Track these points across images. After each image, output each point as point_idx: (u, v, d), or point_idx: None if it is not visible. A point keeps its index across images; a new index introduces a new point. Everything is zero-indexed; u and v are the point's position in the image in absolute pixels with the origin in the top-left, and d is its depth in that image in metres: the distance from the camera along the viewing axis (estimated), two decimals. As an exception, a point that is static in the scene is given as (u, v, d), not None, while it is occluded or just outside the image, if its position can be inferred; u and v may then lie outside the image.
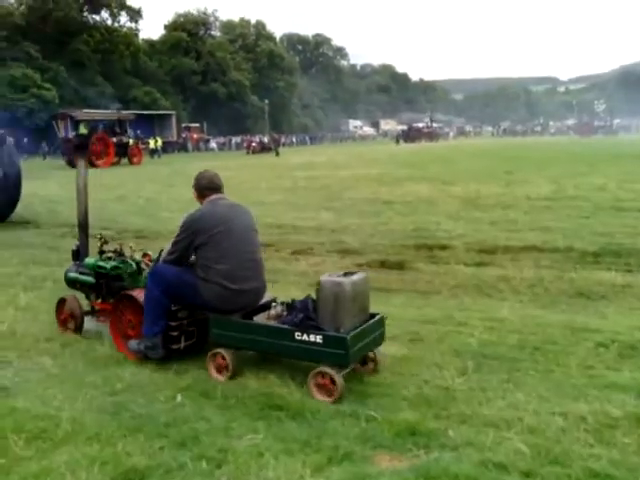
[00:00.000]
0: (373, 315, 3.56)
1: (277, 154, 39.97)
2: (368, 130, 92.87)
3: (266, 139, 51.53)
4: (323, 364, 3.24)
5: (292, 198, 13.70)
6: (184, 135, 53.91)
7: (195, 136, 55.00)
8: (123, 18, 61.68)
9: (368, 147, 54.58)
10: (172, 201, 13.64)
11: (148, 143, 40.94)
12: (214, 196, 3.83)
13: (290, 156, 37.72)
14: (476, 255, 7.10)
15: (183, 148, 51.74)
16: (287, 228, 9.38)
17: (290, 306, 3.63)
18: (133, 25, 62.71)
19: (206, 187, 3.85)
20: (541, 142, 51.87)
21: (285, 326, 3.43)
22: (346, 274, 3.46)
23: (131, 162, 32.43)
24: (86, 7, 58.13)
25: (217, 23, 76.12)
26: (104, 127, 32.93)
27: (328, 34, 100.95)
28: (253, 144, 48.20)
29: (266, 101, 65.47)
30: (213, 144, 57.02)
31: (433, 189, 14.42)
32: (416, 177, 17.90)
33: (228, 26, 78.03)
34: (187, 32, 68.27)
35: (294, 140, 69.14)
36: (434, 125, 73.39)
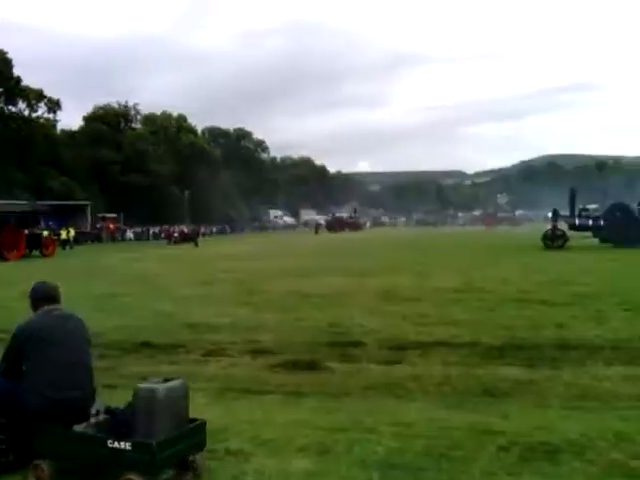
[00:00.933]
0: (194, 420, 3.62)
1: (196, 244, 39.68)
2: (288, 220, 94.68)
3: (185, 229, 51.30)
4: (132, 472, 3.25)
5: (208, 292, 13.50)
6: (99, 225, 52.75)
7: (111, 226, 53.89)
8: (41, 109, 61.13)
9: (288, 237, 55.38)
10: (79, 298, 13.03)
11: (60, 234, 39.61)
12: (47, 307, 3.92)
13: (210, 247, 37.55)
14: (388, 352, 7.19)
15: (97, 238, 50.42)
16: (201, 327, 9.16)
17: (112, 413, 3.66)
18: (51, 116, 62.20)
19: (41, 298, 3.97)
20: (451, 232, 54.67)
21: (99, 434, 3.46)
22: (166, 380, 3.58)
23: (44, 254, 31.12)
24: (2, 98, 57.28)
25: (138, 116, 76.87)
26: (16, 219, 31.71)
27: (249, 128, 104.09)
28: (175, 234, 47.86)
29: (187, 191, 65.63)
30: (130, 234, 55.95)
31: (349, 281, 14.69)
32: (334, 269, 18.23)
33: (150, 118, 78.99)
34: (107, 124, 68.39)
35: (214, 230, 69.10)
36: (356, 215, 76.31)
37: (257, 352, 7.40)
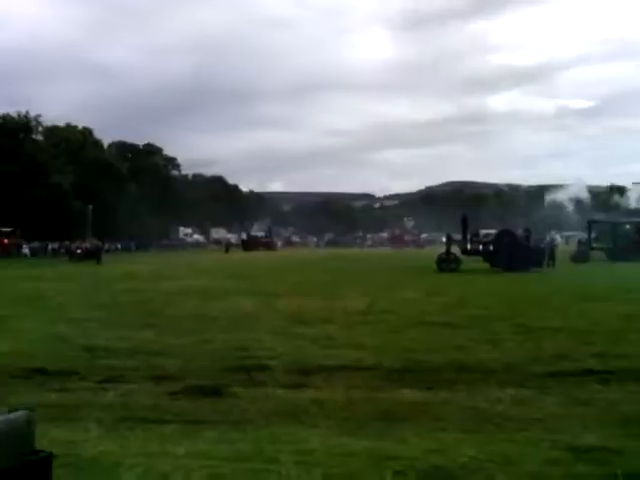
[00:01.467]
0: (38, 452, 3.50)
1: (99, 262, 37.99)
2: (198, 238, 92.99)
3: (88, 245, 49.02)
4: None
5: (109, 314, 12.92)
6: (-8, 240, 49.33)
7: (6, 241, 50.51)
8: None
9: (197, 255, 54.31)
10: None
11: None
12: None
13: (113, 265, 36.06)
14: (293, 376, 7.17)
15: (-10, 254, 47.03)
16: (98, 351, 8.73)
17: None
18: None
19: None
20: (360, 254, 55.87)
21: None
22: (9, 411, 3.44)
23: None
24: None
25: (40, 128, 72.87)
26: None
27: (160, 144, 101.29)
28: (78, 250, 45.59)
29: (90, 206, 62.83)
30: (26, 249, 52.68)
31: (258, 303, 14.58)
32: (243, 289, 18.06)
33: (53, 130, 75.19)
34: (4, 134, 64.38)
35: (119, 246, 66.52)
36: (271, 235, 76.66)
37: (159, 378, 7.14)
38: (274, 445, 4.69)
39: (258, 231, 79.15)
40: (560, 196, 70.67)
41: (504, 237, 28.44)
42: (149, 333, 10.31)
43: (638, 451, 4.49)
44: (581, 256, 35.06)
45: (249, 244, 67.79)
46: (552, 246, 35.04)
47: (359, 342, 9.25)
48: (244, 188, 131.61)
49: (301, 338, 9.73)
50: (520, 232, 30.37)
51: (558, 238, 63.60)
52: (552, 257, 32.38)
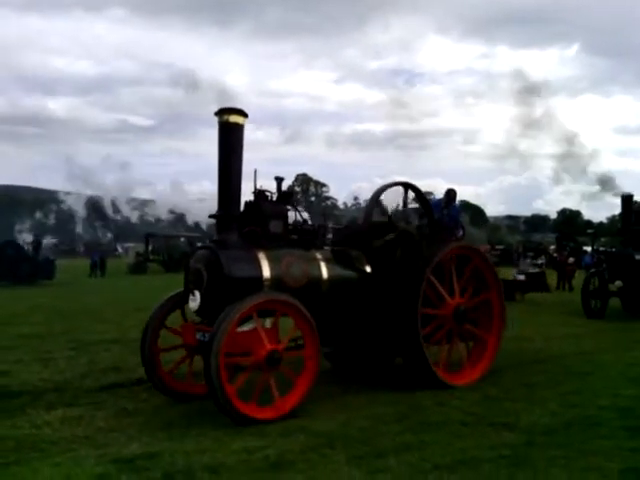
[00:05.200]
0: None
1: None
2: None
3: None
4: None
5: None
6: None
7: None
8: None
9: None
10: None
11: None
12: None
13: None
14: None
15: None
16: None
17: None
18: None
19: None
20: None
21: None
22: None
23: None
24: None
25: None
26: None
27: None
28: None
29: None
30: None
31: None
32: None
33: None
34: None
35: None
36: None
37: None
38: None
39: None
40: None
41: (8, 248, 26.90)
42: None
43: (172, 451, 4.96)
44: (138, 267, 36.58)
45: None
46: (104, 256, 35.24)
47: None
48: None
49: None
50: (27, 243, 29.14)
51: (119, 248, 64.39)
52: (103, 267, 32.98)
